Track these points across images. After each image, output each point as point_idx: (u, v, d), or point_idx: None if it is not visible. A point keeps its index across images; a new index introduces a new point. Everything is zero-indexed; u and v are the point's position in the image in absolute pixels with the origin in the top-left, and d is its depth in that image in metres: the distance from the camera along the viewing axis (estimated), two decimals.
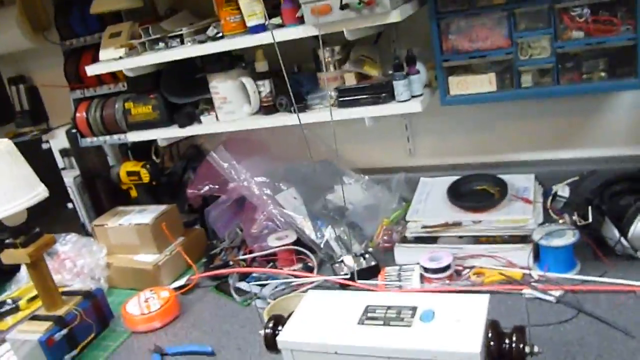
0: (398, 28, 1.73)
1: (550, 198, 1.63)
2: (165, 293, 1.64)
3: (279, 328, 1.12)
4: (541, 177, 1.71)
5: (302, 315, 1.14)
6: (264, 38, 1.50)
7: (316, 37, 1.71)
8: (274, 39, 1.31)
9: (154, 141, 2.13)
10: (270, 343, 1.12)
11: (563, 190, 1.63)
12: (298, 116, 1.32)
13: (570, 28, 1.41)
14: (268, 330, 1.13)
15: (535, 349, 0.98)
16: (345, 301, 1.15)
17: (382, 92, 1.52)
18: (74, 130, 2.07)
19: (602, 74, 1.44)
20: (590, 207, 1.49)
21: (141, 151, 2.15)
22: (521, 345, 0.98)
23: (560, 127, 1.73)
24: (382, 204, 1.78)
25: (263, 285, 1.59)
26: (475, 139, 1.84)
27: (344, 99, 1.57)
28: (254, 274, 1.67)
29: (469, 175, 1.72)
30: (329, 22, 1.40)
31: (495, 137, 1.81)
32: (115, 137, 1.99)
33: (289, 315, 1.15)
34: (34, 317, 1.55)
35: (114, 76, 1.96)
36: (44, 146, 1.97)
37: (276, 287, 1.59)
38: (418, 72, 1.52)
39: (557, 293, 1.33)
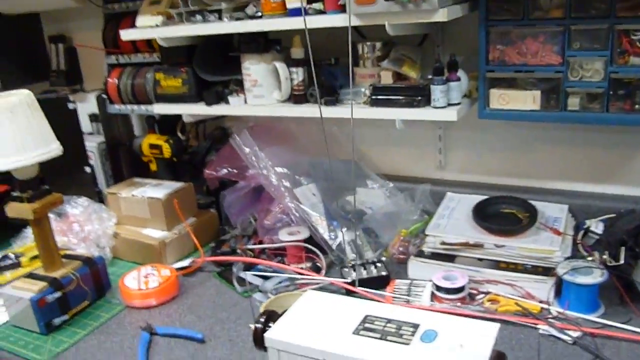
0: (445, 32, 1.65)
1: (582, 233, 1.53)
2: (166, 271, 1.60)
3: (270, 324, 1.05)
4: (574, 209, 1.61)
5: (295, 315, 1.07)
6: (303, 22, 1.43)
7: (357, 30, 1.66)
8: (305, 25, 1.24)
9: (181, 117, 2.09)
10: (259, 338, 1.05)
11: (596, 226, 1.53)
12: (320, 109, 1.24)
13: (628, 53, 1.31)
14: (258, 325, 1.07)
15: None
16: (345, 307, 1.08)
17: (418, 95, 1.44)
18: (103, 96, 2.05)
19: None
20: (623, 248, 1.39)
21: (168, 126, 2.11)
22: None
23: (602, 159, 1.62)
24: (402, 214, 1.70)
25: (266, 278, 1.52)
26: (510, 160, 1.74)
27: (378, 97, 1.49)
28: (259, 266, 1.61)
29: (499, 197, 1.63)
30: (371, 13, 1.33)
31: (531, 160, 1.71)
32: (143, 107, 1.96)
33: (283, 313, 1.09)
34: (30, 275, 1.51)
35: (150, 45, 1.92)
36: (70, 106, 1.94)
37: (279, 283, 1.53)
38: (459, 79, 1.44)
39: (575, 334, 1.23)
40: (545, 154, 1.69)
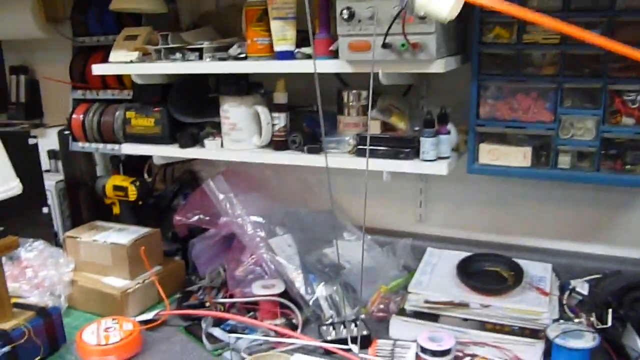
0: (430, 84, 1.63)
1: (567, 293, 1.49)
2: (128, 325, 1.47)
3: None
4: (558, 269, 1.58)
5: None
6: (291, 66, 1.38)
7: (341, 78, 1.62)
8: (314, 67, 1.18)
9: (148, 158, 1.99)
10: None
11: (582, 287, 1.50)
12: (325, 157, 1.18)
13: (620, 113, 1.30)
14: None
15: None
16: None
17: (407, 147, 1.40)
18: (66, 132, 1.93)
19: None
20: (610, 310, 1.36)
21: (133, 167, 2.01)
22: None
23: (587, 218, 1.60)
24: (382, 269, 1.63)
25: (238, 336, 1.41)
26: (492, 216, 1.71)
27: (365, 147, 1.44)
28: (230, 321, 1.50)
29: (483, 254, 1.59)
30: (364, 60, 1.28)
31: (514, 217, 1.68)
32: (109, 146, 1.85)
33: None
34: None
35: (120, 82, 1.84)
36: (31, 141, 1.82)
37: (253, 341, 1.42)
38: (449, 132, 1.40)
39: None
40: (528, 210, 1.66)
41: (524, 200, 1.65)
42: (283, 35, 1.39)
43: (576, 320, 1.40)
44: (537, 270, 1.54)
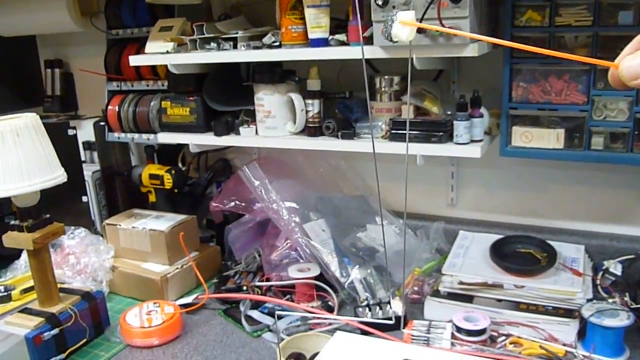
0: (461, 68, 1.64)
1: (600, 274, 1.50)
2: (170, 308, 1.52)
3: None
4: (590, 250, 1.59)
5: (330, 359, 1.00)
6: (325, 53, 1.40)
7: (369, 64, 1.64)
8: (364, 54, 1.20)
9: (182, 147, 2.04)
10: None
11: (615, 268, 1.50)
12: (372, 142, 1.19)
13: None
14: None
15: None
16: (380, 351, 1.02)
17: (441, 131, 1.41)
18: (102, 123, 1.98)
19: None
20: None
21: (167, 156, 2.05)
22: None
23: (620, 199, 1.61)
24: (415, 252, 1.65)
25: (279, 318, 1.45)
26: (524, 199, 1.71)
27: (398, 131, 1.46)
28: (267, 304, 1.54)
29: (516, 236, 1.60)
30: (397, 46, 1.30)
31: (546, 199, 1.69)
32: (144, 136, 1.89)
33: (312, 357, 1.02)
34: (25, 310, 1.42)
35: (155, 73, 1.87)
36: (70, 132, 1.87)
37: (290, 322, 1.46)
38: (482, 115, 1.42)
39: None
40: (559, 193, 1.67)
41: (556, 183, 1.66)
42: (317, 22, 1.41)
43: (610, 300, 1.41)
44: (570, 252, 1.55)
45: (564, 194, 1.66)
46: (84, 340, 1.45)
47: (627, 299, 1.41)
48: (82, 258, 1.69)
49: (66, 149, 1.79)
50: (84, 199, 1.94)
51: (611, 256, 1.54)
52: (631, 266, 1.52)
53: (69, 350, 1.40)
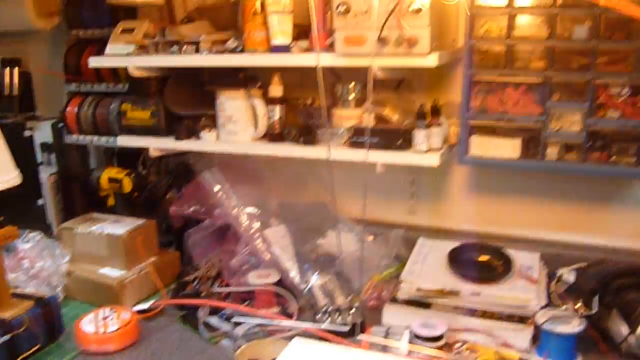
0: (422, 77, 1.66)
1: (554, 281, 1.53)
2: (126, 314, 1.49)
3: None
4: (545, 258, 1.62)
5: None
6: (288, 59, 1.41)
7: (334, 72, 1.65)
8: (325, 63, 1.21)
9: (143, 151, 2.01)
10: None
11: (569, 275, 1.54)
12: (329, 150, 1.20)
13: (606, 106, 1.35)
14: None
15: None
16: (336, 357, 1.02)
17: (400, 139, 1.43)
18: (60, 124, 1.94)
19: (631, 159, 1.37)
20: (596, 297, 1.40)
21: (127, 159, 2.02)
22: None
23: (573, 209, 1.65)
24: (375, 259, 1.66)
25: (237, 324, 1.44)
26: (482, 207, 1.75)
27: (358, 139, 1.47)
28: (226, 311, 1.53)
29: (473, 244, 1.62)
30: (359, 54, 1.31)
31: (504, 208, 1.72)
32: (104, 139, 1.86)
33: None
34: None
35: (115, 75, 1.85)
36: (26, 133, 1.83)
37: (249, 329, 1.45)
38: (441, 124, 1.44)
39: None
40: (516, 202, 1.70)
41: (513, 192, 1.70)
42: (281, 29, 1.41)
43: (563, 306, 1.44)
44: (525, 260, 1.57)
45: (521, 203, 1.70)
46: (37, 346, 1.41)
47: (579, 305, 1.44)
48: (37, 262, 1.65)
49: (21, 151, 1.75)
50: (39, 202, 1.90)
51: (565, 264, 1.58)
52: (584, 274, 1.55)
53: (20, 358, 1.36)
